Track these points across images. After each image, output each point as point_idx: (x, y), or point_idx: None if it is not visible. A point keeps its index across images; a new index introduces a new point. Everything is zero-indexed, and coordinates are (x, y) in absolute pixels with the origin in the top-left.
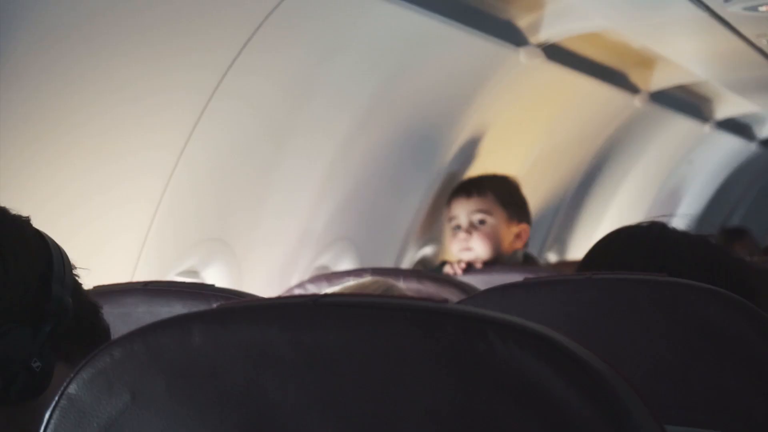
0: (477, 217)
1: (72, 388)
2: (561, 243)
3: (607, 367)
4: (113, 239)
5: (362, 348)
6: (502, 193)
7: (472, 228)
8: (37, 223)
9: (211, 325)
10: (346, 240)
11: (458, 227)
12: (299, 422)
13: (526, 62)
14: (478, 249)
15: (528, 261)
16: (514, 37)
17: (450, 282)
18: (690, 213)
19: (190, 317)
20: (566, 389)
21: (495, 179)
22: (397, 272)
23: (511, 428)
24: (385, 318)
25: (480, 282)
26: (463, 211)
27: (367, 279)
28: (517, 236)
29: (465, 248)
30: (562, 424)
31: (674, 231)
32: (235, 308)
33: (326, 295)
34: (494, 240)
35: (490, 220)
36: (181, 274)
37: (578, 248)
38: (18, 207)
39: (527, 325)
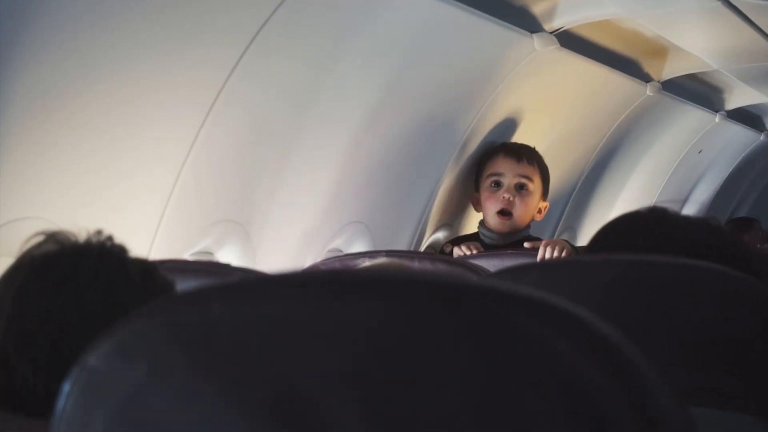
0: (521, 181)
1: (91, 360)
2: (571, 230)
3: (635, 349)
4: (128, 219)
5: (384, 323)
6: (543, 167)
7: (514, 191)
8: (55, 201)
9: (231, 298)
10: (360, 223)
11: (498, 184)
12: (320, 396)
13: (540, 49)
14: (519, 212)
15: (532, 240)
16: (529, 23)
17: (462, 264)
18: (699, 199)
19: (211, 290)
20: (590, 368)
21: (537, 153)
22: (411, 254)
23: (532, 404)
24: (407, 293)
25: (490, 266)
26: (510, 171)
27: (382, 260)
28: (539, 212)
29: (507, 206)
30: (584, 402)
31: (675, 215)
32: (255, 281)
33: (349, 270)
34: (531, 208)
35: (531, 187)
36: (195, 254)
37: (589, 235)
38: (41, 190)
39: (552, 300)
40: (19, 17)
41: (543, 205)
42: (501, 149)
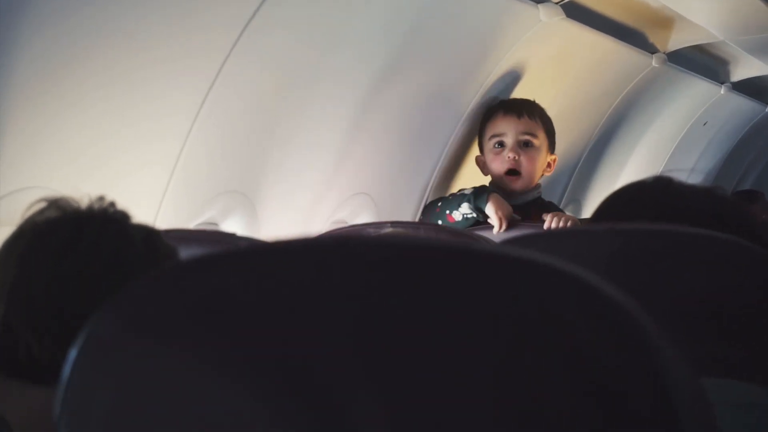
0: (525, 138)
1: (97, 327)
2: (576, 203)
3: (647, 317)
4: (133, 190)
5: (393, 288)
6: (546, 120)
7: (518, 148)
8: (59, 171)
9: (239, 264)
10: (365, 195)
11: (501, 144)
12: (329, 363)
13: (546, 20)
14: (527, 169)
15: (545, 204)
16: None
17: (468, 235)
18: (704, 172)
19: (219, 256)
20: (601, 335)
21: (538, 106)
22: (416, 225)
23: (543, 372)
24: (417, 257)
25: (497, 237)
26: (512, 129)
27: (387, 231)
28: (548, 166)
29: (513, 165)
30: (596, 370)
31: (680, 184)
32: (264, 247)
33: (358, 236)
34: (538, 164)
35: (536, 143)
36: (200, 225)
37: (594, 208)
38: (45, 159)
39: (564, 267)
40: None
41: (551, 158)
42: (500, 107)
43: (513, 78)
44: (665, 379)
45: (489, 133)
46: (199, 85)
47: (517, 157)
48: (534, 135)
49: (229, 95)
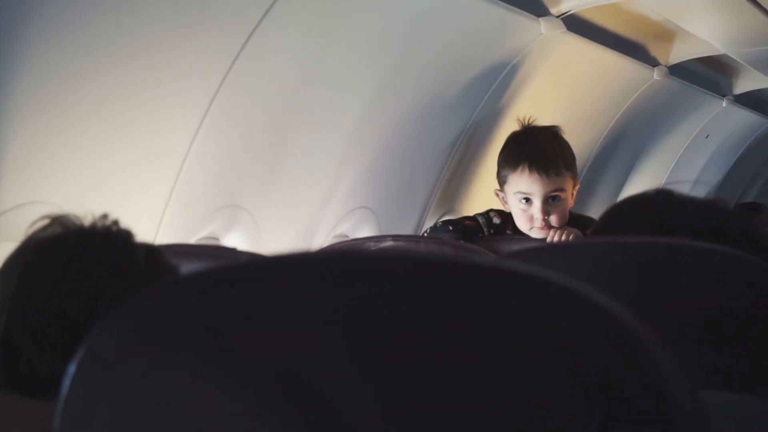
0: (553, 194)
1: (98, 342)
2: None
3: (647, 331)
4: (134, 205)
5: (392, 301)
6: (570, 162)
7: (546, 206)
8: (63, 186)
9: (239, 278)
10: (366, 209)
11: (527, 200)
12: (328, 376)
13: (547, 33)
14: (556, 222)
15: (579, 220)
16: (535, 7)
17: (470, 249)
18: (706, 185)
19: (220, 271)
20: (603, 349)
21: (562, 149)
22: (417, 238)
23: (543, 383)
24: (416, 271)
25: (498, 250)
26: (539, 189)
27: (388, 244)
28: (572, 196)
29: (542, 228)
30: (597, 382)
31: (681, 195)
32: (264, 261)
33: (358, 250)
34: (566, 211)
35: (563, 195)
36: (201, 240)
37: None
38: (49, 175)
39: (560, 279)
40: (30, 1)
41: (576, 189)
42: (525, 160)
43: (514, 91)
44: (659, 380)
45: (513, 186)
46: (200, 101)
47: (546, 217)
48: (562, 189)
49: (230, 110)
